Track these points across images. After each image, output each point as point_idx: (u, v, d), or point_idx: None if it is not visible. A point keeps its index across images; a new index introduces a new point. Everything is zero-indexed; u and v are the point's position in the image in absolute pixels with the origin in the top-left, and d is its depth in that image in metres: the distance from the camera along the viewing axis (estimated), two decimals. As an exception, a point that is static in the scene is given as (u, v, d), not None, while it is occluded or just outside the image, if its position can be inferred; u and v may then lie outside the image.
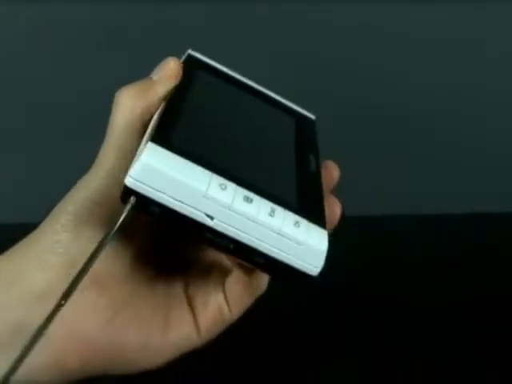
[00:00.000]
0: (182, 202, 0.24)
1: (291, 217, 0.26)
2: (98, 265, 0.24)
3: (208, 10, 0.69)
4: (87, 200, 0.26)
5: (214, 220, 0.24)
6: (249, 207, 0.25)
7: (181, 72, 0.29)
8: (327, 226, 0.27)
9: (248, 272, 0.28)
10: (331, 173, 0.32)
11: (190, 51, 0.35)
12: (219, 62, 0.34)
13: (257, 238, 0.25)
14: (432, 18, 0.72)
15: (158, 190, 0.23)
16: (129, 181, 0.23)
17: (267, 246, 0.25)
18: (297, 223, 0.26)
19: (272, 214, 0.25)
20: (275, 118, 0.34)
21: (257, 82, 0.35)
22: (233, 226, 0.25)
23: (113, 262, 0.27)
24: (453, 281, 0.69)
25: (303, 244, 0.25)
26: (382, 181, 0.79)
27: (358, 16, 0.72)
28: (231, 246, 0.25)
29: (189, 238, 0.29)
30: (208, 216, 0.24)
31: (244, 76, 0.35)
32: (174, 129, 0.26)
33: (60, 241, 0.26)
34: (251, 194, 0.25)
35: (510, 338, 0.66)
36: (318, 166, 0.31)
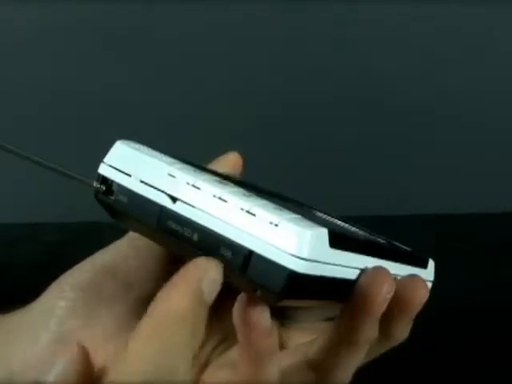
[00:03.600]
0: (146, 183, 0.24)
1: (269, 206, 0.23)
2: None
3: (208, 10, 0.69)
4: (103, 268, 0.27)
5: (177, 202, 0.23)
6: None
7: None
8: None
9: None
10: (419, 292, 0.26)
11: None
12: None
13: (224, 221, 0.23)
14: (431, 14, 0.72)
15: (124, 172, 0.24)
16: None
17: (234, 229, 0.22)
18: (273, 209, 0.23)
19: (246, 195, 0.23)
20: None
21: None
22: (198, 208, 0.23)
23: None
24: (453, 281, 0.69)
25: (279, 223, 0.22)
26: (383, 181, 0.79)
27: (358, 14, 0.72)
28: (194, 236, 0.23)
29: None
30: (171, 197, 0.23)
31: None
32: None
33: (57, 316, 0.26)
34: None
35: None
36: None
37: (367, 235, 0.29)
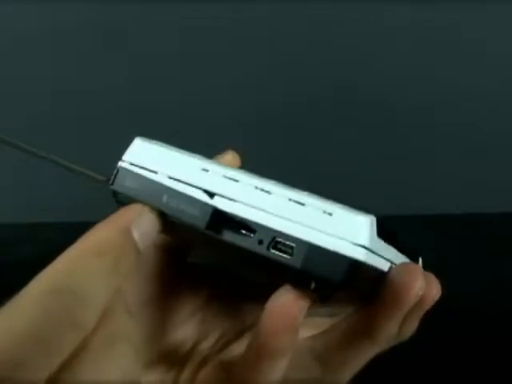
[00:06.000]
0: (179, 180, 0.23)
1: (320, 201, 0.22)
2: None
3: (208, 11, 0.69)
4: None
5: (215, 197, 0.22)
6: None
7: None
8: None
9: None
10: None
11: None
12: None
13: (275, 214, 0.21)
14: (430, 14, 0.72)
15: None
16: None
17: (286, 221, 0.21)
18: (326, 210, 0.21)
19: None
20: None
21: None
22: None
23: None
24: (453, 281, 0.69)
25: (333, 212, 0.21)
26: (383, 181, 0.79)
27: (358, 14, 0.72)
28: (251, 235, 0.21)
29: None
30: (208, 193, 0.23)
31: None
32: None
33: None
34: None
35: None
36: None
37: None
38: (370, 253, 0.21)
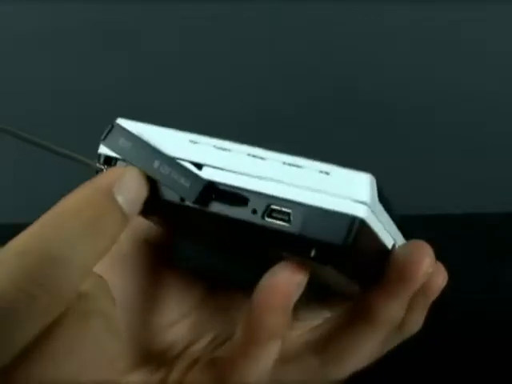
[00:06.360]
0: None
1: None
2: None
3: (208, 11, 0.69)
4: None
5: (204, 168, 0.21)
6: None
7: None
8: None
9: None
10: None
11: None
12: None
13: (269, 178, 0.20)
14: (430, 14, 0.72)
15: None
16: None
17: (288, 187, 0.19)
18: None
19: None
20: None
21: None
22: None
23: None
24: (454, 281, 0.69)
25: (331, 171, 0.19)
26: (383, 181, 0.79)
27: (358, 14, 0.72)
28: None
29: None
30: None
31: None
32: None
33: None
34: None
35: None
36: None
37: None
38: (371, 213, 0.19)
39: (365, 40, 0.73)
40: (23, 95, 0.71)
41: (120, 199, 0.21)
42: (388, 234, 0.21)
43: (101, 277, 0.21)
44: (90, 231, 0.20)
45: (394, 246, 0.22)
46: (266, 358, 0.21)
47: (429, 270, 0.22)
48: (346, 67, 0.74)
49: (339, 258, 0.19)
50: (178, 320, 0.28)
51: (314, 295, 0.27)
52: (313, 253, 0.19)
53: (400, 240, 0.23)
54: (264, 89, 0.73)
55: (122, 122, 0.23)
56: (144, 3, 0.68)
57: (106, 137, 0.23)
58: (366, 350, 0.23)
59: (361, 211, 0.19)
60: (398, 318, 0.23)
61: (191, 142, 0.22)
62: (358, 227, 0.19)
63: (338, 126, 0.74)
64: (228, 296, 0.29)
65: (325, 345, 0.24)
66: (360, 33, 0.73)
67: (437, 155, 0.81)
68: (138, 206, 0.22)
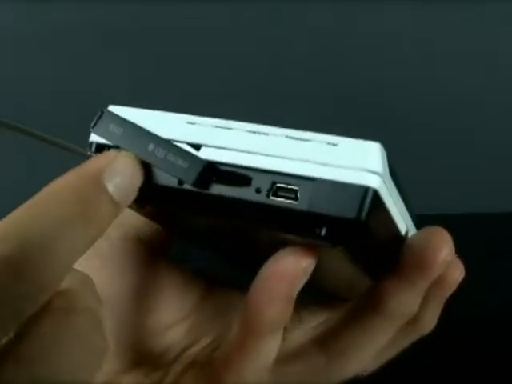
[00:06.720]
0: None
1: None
2: None
3: (208, 11, 0.69)
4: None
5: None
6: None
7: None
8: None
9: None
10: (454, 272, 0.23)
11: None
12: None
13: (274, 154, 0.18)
14: (430, 14, 0.72)
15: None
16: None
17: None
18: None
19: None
20: None
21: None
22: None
23: None
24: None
25: (338, 142, 0.18)
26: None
27: (358, 14, 0.72)
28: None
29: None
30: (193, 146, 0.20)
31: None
32: None
33: None
34: None
35: None
36: None
37: None
38: (383, 184, 0.18)
39: (365, 40, 0.73)
40: (23, 95, 0.71)
41: (110, 186, 0.19)
42: (401, 217, 0.20)
43: (86, 274, 0.20)
44: (75, 219, 0.19)
45: (407, 231, 0.21)
46: (265, 354, 0.20)
47: (447, 259, 0.20)
48: (346, 67, 0.74)
49: (352, 236, 0.18)
50: (176, 322, 0.27)
51: (313, 299, 0.26)
52: (323, 231, 0.17)
53: (411, 225, 0.22)
54: (264, 89, 0.73)
55: (113, 108, 0.22)
56: (144, 3, 0.68)
57: (95, 124, 0.22)
58: (373, 346, 0.22)
59: (373, 181, 0.17)
60: (411, 311, 0.21)
61: (188, 123, 0.20)
62: (371, 199, 0.17)
63: (337, 125, 0.74)
64: (227, 298, 0.28)
65: (331, 339, 0.22)
66: (360, 33, 0.73)
67: (437, 155, 0.81)
68: (132, 193, 0.20)
